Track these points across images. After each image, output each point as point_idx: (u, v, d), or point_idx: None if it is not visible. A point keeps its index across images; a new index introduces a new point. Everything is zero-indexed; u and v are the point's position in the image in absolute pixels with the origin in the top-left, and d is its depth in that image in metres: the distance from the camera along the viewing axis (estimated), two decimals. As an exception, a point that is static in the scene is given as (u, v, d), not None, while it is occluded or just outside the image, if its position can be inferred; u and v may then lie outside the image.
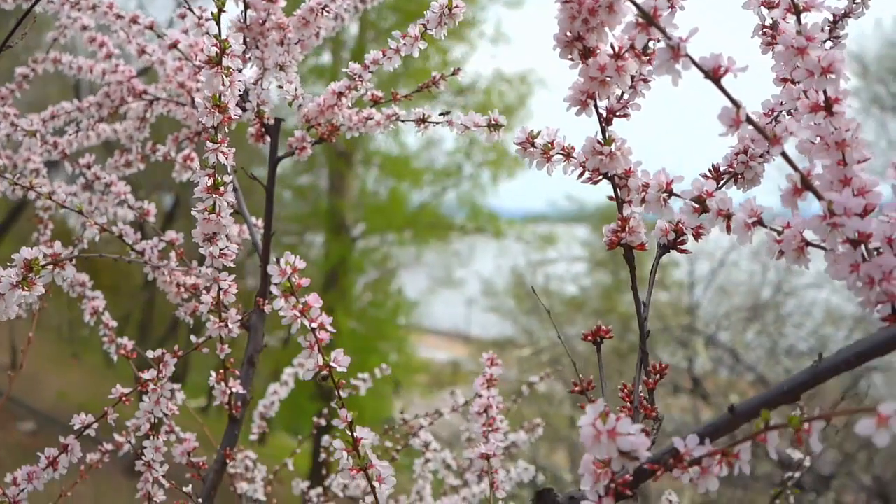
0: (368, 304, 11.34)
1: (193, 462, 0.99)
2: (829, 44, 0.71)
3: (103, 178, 1.08)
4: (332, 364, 0.62)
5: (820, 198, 0.50)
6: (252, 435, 1.39)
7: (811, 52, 0.52)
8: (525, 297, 9.65)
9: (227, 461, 0.98)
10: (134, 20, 1.08)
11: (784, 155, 0.51)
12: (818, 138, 0.54)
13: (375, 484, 0.63)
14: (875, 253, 0.51)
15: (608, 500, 0.53)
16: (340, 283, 11.05)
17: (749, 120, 0.50)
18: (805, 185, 0.51)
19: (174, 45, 1.02)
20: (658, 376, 0.62)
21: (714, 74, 0.50)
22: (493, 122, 0.84)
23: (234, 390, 0.97)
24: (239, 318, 0.89)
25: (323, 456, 1.39)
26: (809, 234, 0.54)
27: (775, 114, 0.68)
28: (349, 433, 0.64)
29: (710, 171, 0.68)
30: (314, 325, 0.61)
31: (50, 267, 0.64)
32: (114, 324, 1.10)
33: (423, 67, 11.17)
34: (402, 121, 0.96)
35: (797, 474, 1.08)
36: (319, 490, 1.31)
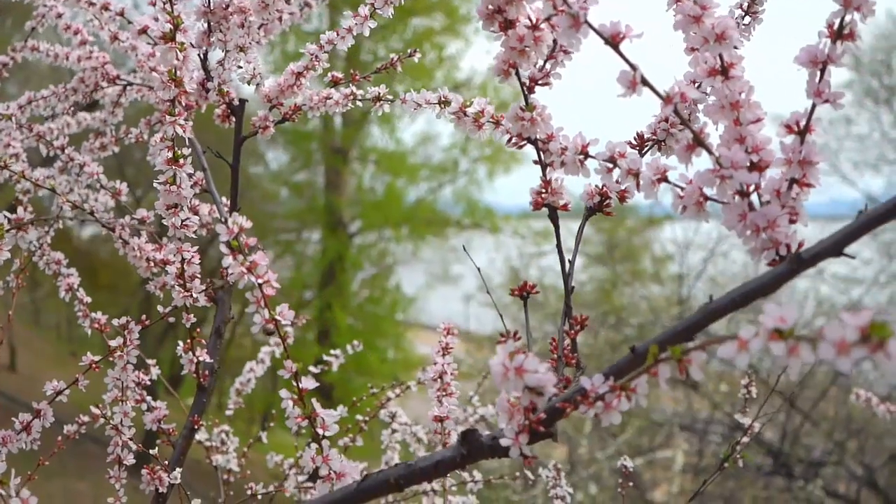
0: (366, 301, 11.38)
1: (164, 429, 1.03)
2: (747, 18, 0.75)
3: (77, 159, 1.13)
4: (277, 318, 0.67)
5: (710, 153, 0.55)
6: (228, 410, 1.44)
7: (706, 21, 0.57)
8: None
9: (196, 427, 1.02)
10: (105, 7, 1.12)
11: (676, 113, 0.55)
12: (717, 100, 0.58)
13: (320, 431, 0.68)
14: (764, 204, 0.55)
15: (524, 437, 0.58)
16: (338, 280, 11.09)
17: (644, 81, 0.54)
18: (697, 141, 0.55)
19: (144, 31, 1.07)
20: (579, 327, 0.67)
21: (613, 41, 0.55)
22: (442, 99, 0.88)
23: (201, 359, 1.01)
24: (203, 288, 0.94)
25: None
26: (709, 191, 0.59)
27: (697, 83, 0.72)
28: (295, 384, 0.68)
29: (634, 138, 0.72)
30: (261, 280, 0.66)
31: (14, 231, 0.69)
32: (88, 299, 1.14)
33: (419, 64, 11.22)
34: (360, 100, 1.00)
35: (745, 439, 1.13)
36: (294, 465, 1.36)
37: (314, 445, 0.68)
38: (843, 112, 8.58)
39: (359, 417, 1.33)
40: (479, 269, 0.96)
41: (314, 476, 0.70)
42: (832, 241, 0.51)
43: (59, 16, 1.23)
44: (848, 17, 0.55)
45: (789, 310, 0.41)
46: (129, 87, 1.22)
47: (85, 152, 1.21)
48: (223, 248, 0.65)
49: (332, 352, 1.40)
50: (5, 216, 0.69)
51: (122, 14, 1.13)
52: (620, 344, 7.37)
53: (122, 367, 0.92)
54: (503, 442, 0.58)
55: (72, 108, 1.23)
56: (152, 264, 1.05)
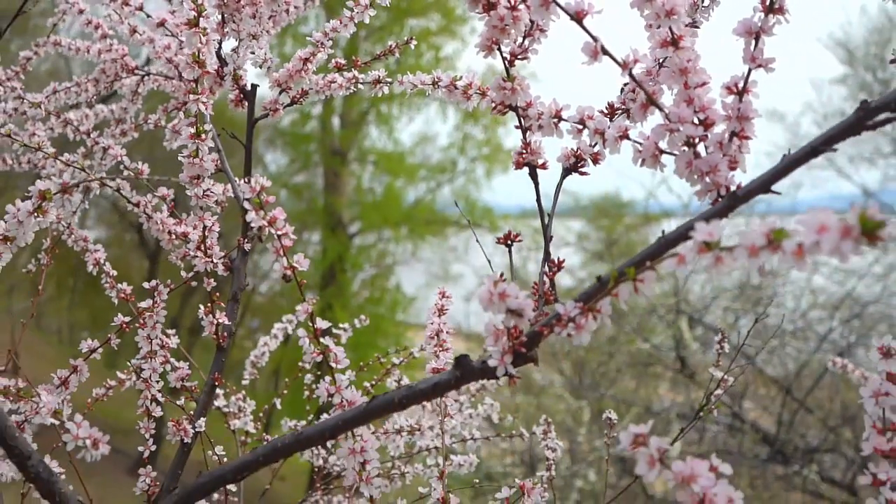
0: (366, 301, 11.47)
1: (186, 386, 1.13)
2: (706, 1, 0.85)
3: (101, 143, 1.22)
4: (294, 264, 0.77)
5: (661, 110, 0.65)
6: (244, 381, 1.54)
7: (656, 0, 0.66)
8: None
9: (216, 384, 1.12)
10: (125, 2, 1.22)
11: (631, 77, 0.65)
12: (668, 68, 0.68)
13: (333, 364, 0.78)
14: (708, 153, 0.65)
15: (508, 357, 0.67)
16: (338, 281, 11.18)
17: (604, 51, 0.64)
18: (650, 101, 0.65)
19: (161, 24, 1.17)
20: (557, 268, 0.77)
21: (578, 16, 0.65)
22: (436, 80, 0.98)
23: (220, 322, 1.11)
24: (222, 254, 1.04)
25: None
26: (663, 145, 0.69)
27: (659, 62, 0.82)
28: (310, 324, 0.78)
29: (606, 106, 0.82)
30: (280, 232, 0.75)
31: (60, 194, 0.79)
32: (114, 273, 1.24)
33: (417, 64, 11.32)
34: (361, 83, 1.10)
35: (716, 394, 1.22)
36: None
37: (328, 378, 0.78)
38: (838, 106, 8.67)
39: (366, 384, 1.42)
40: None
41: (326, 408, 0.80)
42: (761, 181, 0.61)
43: (81, 11, 1.33)
44: (778, -6, 0.65)
45: (715, 227, 0.51)
46: (146, 77, 1.32)
47: (107, 137, 1.31)
48: (246, 205, 0.75)
49: (340, 325, 1.49)
50: (53, 182, 0.79)
51: (140, 8, 1.23)
52: (617, 336, 7.47)
53: (153, 326, 1.02)
54: (490, 363, 0.68)
55: (94, 98, 1.33)
56: (173, 236, 1.15)
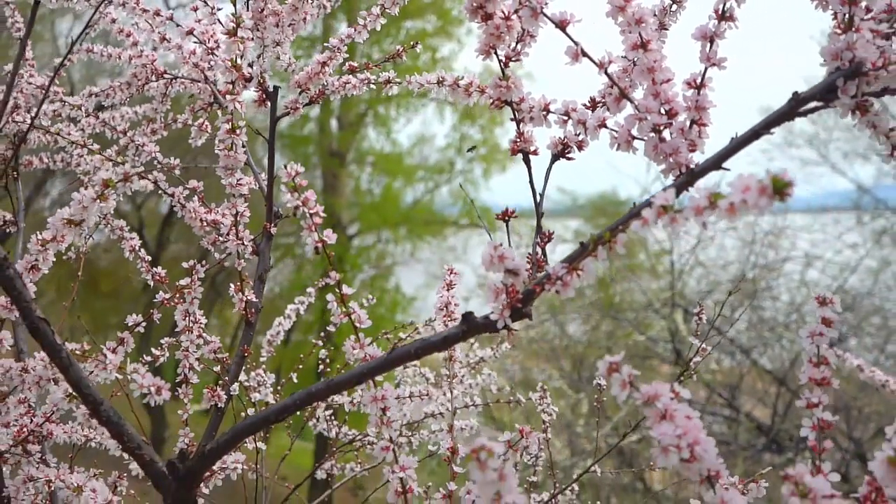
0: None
1: (219, 357, 1.26)
2: (674, 6, 0.98)
3: (136, 140, 1.35)
4: (324, 238, 0.90)
5: (632, 102, 0.78)
6: (262, 357, 1.67)
7: (628, 10, 0.79)
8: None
9: (245, 355, 1.25)
10: (157, 13, 1.35)
11: (607, 75, 0.78)
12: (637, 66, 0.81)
13: (357, 325, 0.91)
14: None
15: (507, 312, 0.80)
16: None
17: (583, 53, 0.77)
18: (622, 95, 0.78)
19: (190, 32, 1.29)
20: (547, 239, 0.90)
21: (562, 25, 0.78)
22: (440, 79, 1.11)
23: (249, 299, 1.24)
24: (252, 237, 1.17)
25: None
26: (635, 132, 0.82)
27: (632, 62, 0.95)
28: (338, 292, 0.91)
29: (588, 100, 0.95)
30: (311, 211, 0.88)
31: (122, 182, 0.91)
32: (149, 258, 1.37)
33: (414, 65, 11.46)
34: (373, 84, 1.23)
35: (697, 358, 1.35)
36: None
37: (352, 336, 0.91)
38: (831, 103, 8.77)
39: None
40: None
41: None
42: (712, 159, 0.74)
43: (114, 21, 1.46)
44: (728, 4, 0.78)
45: (670, 194, 0.64)
46: (174, 80, 1.45)
47: (141, 136, 1.44)
48: (283, 188, 0.88)
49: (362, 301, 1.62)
50: (114, 172, 0.91)
51: (171, 18, 1.36)
52: (615, 330, 7.61)
53: (190, 301, 1.15)
54: (492, 317, 0.81)
55: (126, 100, 1.46)
56: (205, 223, 1.28)
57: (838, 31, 0.71)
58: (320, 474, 1.70)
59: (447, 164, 12.53)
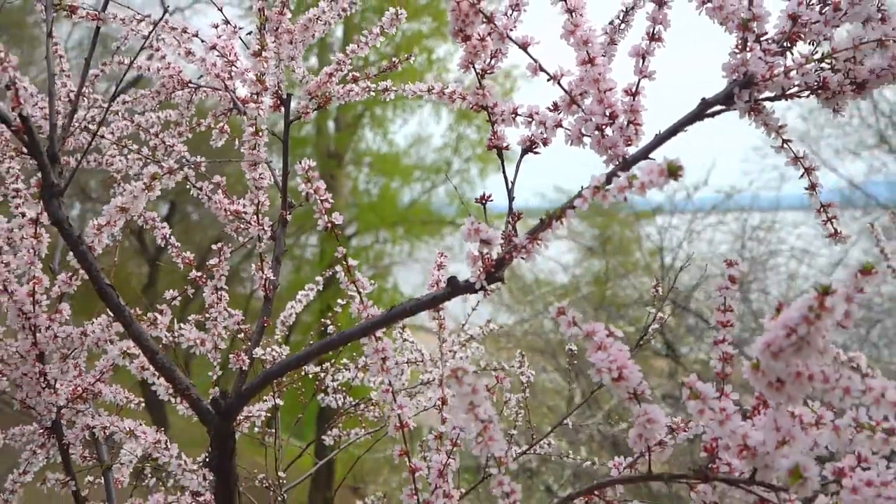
0: (365, 301, 11.76)
1: (241, 328, 1.46)
2: (622, 25, 1.18)
3: (167, 142, 1.55)
4: (333, 220, 1.10)
5: (579, 107, 0.98)
6: (276, 335, 1.87)
7: (577, 32, 0.99)
8: (517, 288, 10.13)
9: (265, 325, 1.45)
10: (184, 30, 1.55)
11: (560, 85, 0.98)
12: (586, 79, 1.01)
13: (361, 290, 1.11)
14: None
15: (483, 276, 1.00)
16: (336, 282, 11.49)
17: (541, 68, 0.97)
18: (573, 101, 0.98)
19: (213, 47, 1.50)
20: (518, 218, 1.10)
21: (524, 45, 0.98)
22: (430, 88, 1.31)
23: (268, 277, 1.44)
24: (271, 223, 1.37)
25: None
26: (584, 130, 1.02)
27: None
28: (345, 263, 1.11)
29: (552, 104, 1.15)
30: (322, 198, 1.09)
31: (167, 175, 1.11)
32: (178, 244, 1.57)
33: (410, 67, 11.67)
34: (374, 92, 1.44)
35: (655, 325, 1.54)
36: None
37: (357, 298, 1.11)
38: (821, 100, 8.97)
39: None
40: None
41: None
42: (640, 151, 0.94)
43: (146, 38, 1.66)
44: (657, 28, 0.98)
45: (602, 177, 0.84)
46: (198, 90, 1.65)
47: (171, 137, 1.64)
48: (299, 178, 1.08)
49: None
50: (158, 167, 1.11)
51: (196, 35, 1.56)
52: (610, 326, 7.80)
53: (218, 277, 1.35)
54: (471, 279, 1.01)
55: (157, 106, 1.66)
56: (228, 213, 1.48)
57: (736, 50, 0.91)
58: (328, 440, 1.90)
59: (444, 164, 12.70)
